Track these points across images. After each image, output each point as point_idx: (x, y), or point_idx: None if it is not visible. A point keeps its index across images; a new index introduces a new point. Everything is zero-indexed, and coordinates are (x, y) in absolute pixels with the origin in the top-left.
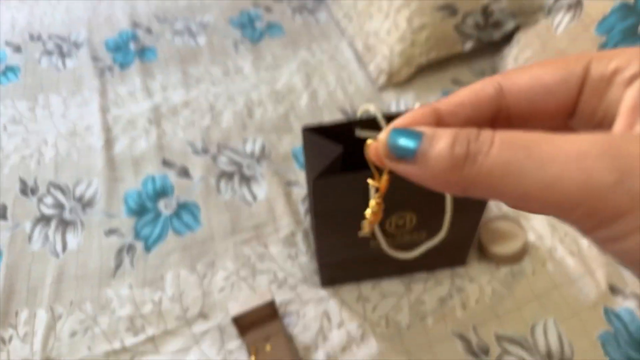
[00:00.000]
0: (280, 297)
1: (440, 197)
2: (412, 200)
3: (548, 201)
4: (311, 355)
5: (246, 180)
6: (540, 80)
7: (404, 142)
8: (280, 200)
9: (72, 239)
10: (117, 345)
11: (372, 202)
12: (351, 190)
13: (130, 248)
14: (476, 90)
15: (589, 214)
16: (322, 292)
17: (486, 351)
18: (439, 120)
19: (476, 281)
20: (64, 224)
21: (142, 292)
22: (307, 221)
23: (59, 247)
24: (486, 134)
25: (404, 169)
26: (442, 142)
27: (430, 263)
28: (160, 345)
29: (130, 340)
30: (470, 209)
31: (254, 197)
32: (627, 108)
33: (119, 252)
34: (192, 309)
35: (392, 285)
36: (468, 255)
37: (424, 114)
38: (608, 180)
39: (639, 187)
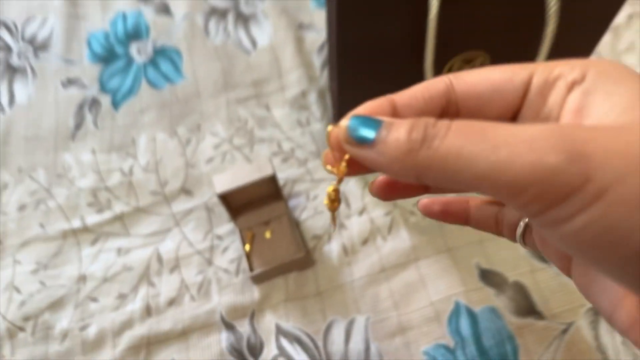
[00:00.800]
0: (285, 173)
1: (527, 31)
2: (485, 35)
3: (500, 183)
4: (322, 247)
5: (243, 19)
6: (488, 79)
7: (364, 128)
8: (288, 48)
9: (21, 91)
10: (76, 223)
11: (330, 189)
12: (394, 10)
13: (94, 103)
14: (428, 85)
15: (538, 194)
16: None
17: None
18: (394, 112)
19: None
20: (11, 72)
21: (108, 158)
22: (323, 77)
23: (4, 100)
24: (443, 121)
25: (363, 154)
26: (400, 128)
27: None
28: (131, 226)
29: (92, 218)
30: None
31: (254, 44)
32: (570, 111)
33: (80, 108)
34: (171, 183)
35: None
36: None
37: (382, 105)
38: (558, 160)
39: (587, 168)
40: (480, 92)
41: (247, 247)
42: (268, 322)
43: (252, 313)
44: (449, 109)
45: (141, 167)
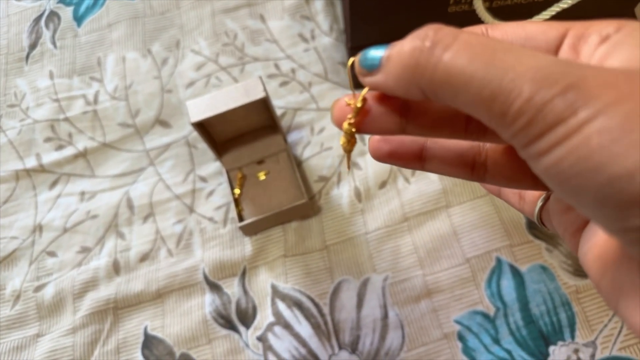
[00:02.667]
0: (283, 100)
1: None
2: None
3: (496, 110)
4: (329, 191)
5: None
6: (524, 29)
7: (373, 53)
8: None
9: None
10: (31, 162)
11: (346, 124)
12: None
13: (52, 17)
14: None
15: (527, 124)
16: None
17: None
18: None
19: None
20: None
21: (69, 83)
22: None
23: None
24: (449, 28)
25: (373, 81)
26: (404, 42)
27: None
28: (97, 165)
29: (50, 156)
30: None
31: None
32: (595, 60)
33: (35, 23)
34: (144, 112)
35: None
36: None
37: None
38: (551, 92)
39: (576, 100)
40: (512, 41)
41: (237, 191)
42: (262, 282)
43: (243, 271)
44: None
45: (108, 93)
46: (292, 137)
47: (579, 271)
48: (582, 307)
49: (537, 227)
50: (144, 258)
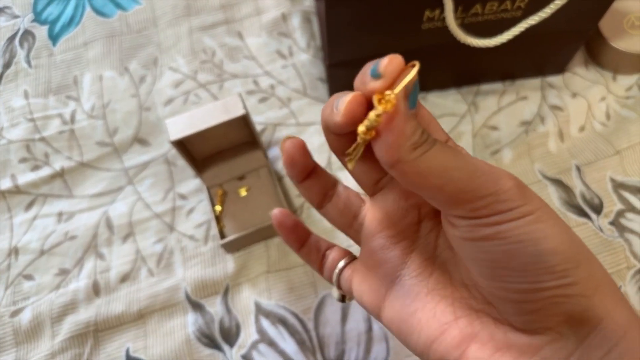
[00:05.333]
0: (263, 116)
1: None
2: None
3: (461, 198)
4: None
5: None
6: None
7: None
8: None
9: None
10: (6, 183)
11: (372, 114)
12: None
13: (27, 36)
14: None
15: (482, 206)
16: None
17: (597, 206)
18: None
19: (582, 97)
20: None
21: (45, 103)
22: None
23: None
24: (429, 136)
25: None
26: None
27: (510, 67)
28: (75, 185)
29: (26, 177)
30: None
31: None
32: None
33: (9, 42)
34: (123, 131)
35: (446, 100)
36: (573, 57)
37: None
38: (509, 185)
39: (523, 198)
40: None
41: (218, 208)
42: (245, 299)
43: (226, 289)
44: None
45: (85, 112)
46: (272, 152)
47: None
48: None
49: None
50: (125, 278)
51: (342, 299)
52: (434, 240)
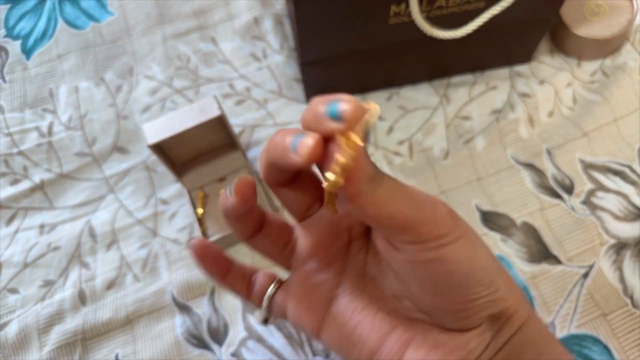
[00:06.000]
0: (240, 118)
1: None
2: None
3: (410, 227)
4: None
5: None
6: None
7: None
8: None
9: None
10: None
11: (334, 171)
12: None
13: (0, 52)
14: None
15: (425, 232)
16: None
17: (568, 186)
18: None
19: (549, 83)
20: None
21: (21, 117)
22: (279, 0)
23: None
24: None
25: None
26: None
27: (478, 58)
28: (55, 197)
29: (6, 192)
30: None
31: None
32: None
33: None
34: (101, 140)
35: (419, 94)
36: (538, 45)
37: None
38: (443, 212)
39: (455, 224)
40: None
41: (200, 210)
42: (232, 299)
43: (212, 290)
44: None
45: (63, 124)
46: (252, 153)
47: (532, 258)
48: (539, 291)
49: (491, 220)
50: (110, 285)
51: (265, 321)
52: (363, 258)
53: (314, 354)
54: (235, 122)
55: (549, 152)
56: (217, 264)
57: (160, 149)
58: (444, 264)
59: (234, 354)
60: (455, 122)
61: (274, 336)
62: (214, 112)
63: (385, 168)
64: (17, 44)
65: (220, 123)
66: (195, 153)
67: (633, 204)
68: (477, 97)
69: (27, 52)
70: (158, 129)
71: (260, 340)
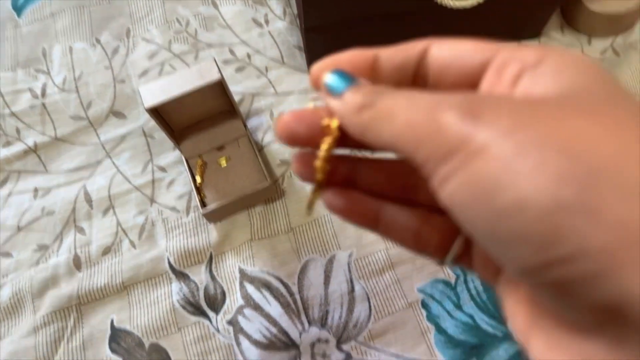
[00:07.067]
0: (241, 86)
1: None
2: None
3: (405, 142)
4: (293, 175)
5: None
6: (458, 48)
7: (338, 81)
8: None
9: None
10: None
11: (324, 146)
12: None
13: None
14: (411, 44)
15: (429, 153)
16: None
17: None
18: (376, 64)
19: None
20: None
21: (12, 77)
22: None
23: None
24: (391, 88)
25: (330, 102)
26: (360, 90)
27: (486, 32)
28: (50, 160)
29: None
30: None
31: None
32: (518, 90)
33: None
34: (97, 104)
35: None
36: (548, 20)
37: (364, 55)
38: (448, 120)
39: (473, 126)
40: (445, 58)
41: (198, 178)
42: (230, 267)
43: (210, 258)
44: (420, 70)
45: (56, 86)
46: (251, 122)
47: None
48: None
49: None
50: (106, 251)
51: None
52: None
53: (310, 323)
54: (235, 89)
55: None
56: (364, 215)
57: (157, 113)
58: (450, 208)
59: (230, 322)
60: None
61: (271, 305)
62: (213, 76)
63: None
64: (8, 0)
65: (220, 88)
66: (193, 119)
67: None
68: None
69: (18, 9)
70: (155, 92)
71: (257, 308)
